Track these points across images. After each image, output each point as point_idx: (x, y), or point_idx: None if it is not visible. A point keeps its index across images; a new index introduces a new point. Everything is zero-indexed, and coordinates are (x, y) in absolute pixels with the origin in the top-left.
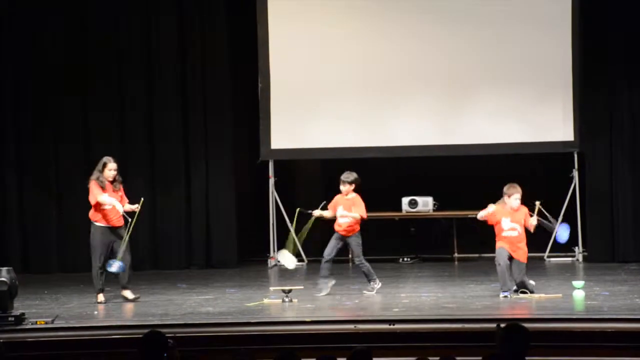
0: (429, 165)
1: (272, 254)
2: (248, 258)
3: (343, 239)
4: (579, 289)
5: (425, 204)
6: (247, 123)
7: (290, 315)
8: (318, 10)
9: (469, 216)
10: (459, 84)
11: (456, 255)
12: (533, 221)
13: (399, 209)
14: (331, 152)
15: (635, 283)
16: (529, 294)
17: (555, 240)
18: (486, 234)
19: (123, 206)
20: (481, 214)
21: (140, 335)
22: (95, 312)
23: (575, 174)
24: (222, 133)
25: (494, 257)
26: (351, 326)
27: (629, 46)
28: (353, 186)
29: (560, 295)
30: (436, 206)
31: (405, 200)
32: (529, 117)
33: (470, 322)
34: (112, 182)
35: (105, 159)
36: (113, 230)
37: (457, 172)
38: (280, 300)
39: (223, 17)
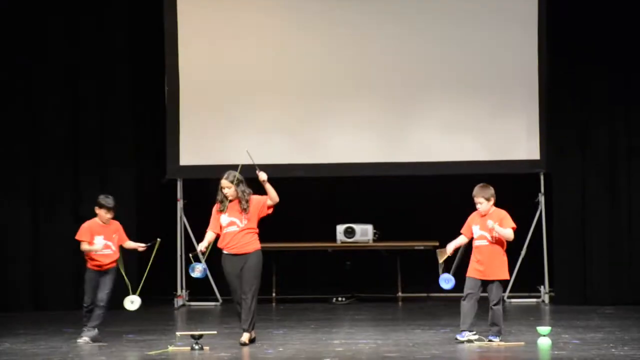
0: (368, 187)
1: (179, 291)
2: (150, 296)
3: None
4: (544, 335)
5: (364, 232)
6: (151, 134)
7: None
8: None
9: (416, 247)
10: (406, 91)
11: (400, 294)
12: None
13: (333, 238)
14: (252, 170)
15: (611, 330)
16: (486, 341)
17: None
18: (436, 269)
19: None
20: (450, 246)
21: None
22: None
23: (542, 199)
24: (121, 146)
25: (444, 297)
26: None
27: (603, 51)
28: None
29: (523, 343)
30: (377, 236)
31: (340, 229)
32: (488, 131)
33: None
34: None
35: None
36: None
37: (403, 195)
38: (189, 348)
39: (122, 1)
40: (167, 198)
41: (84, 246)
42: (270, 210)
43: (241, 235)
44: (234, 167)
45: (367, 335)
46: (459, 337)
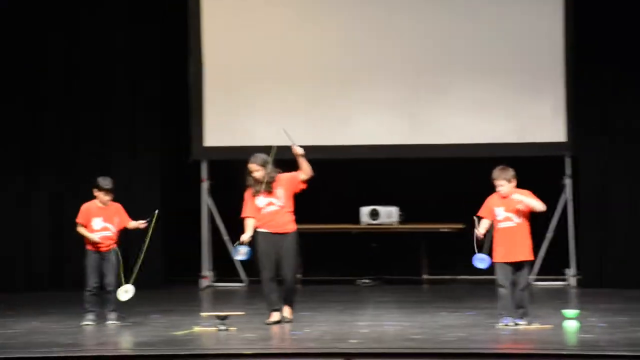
0: (393, 169)
1: (204, 272)
2: (176, 277)
3: None
4: (571, 319)
5: (389, 214)
6: (176, 115)
7: (226, 347)
8: None
9: (441, 230)
10: (430, 72)
11: (425, 277)
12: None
13: (358, 220)
14: (281, 151)
15: (638, 313)
16: (513, 324)
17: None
18: (461, 252)
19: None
20: (481, 229)
21: None
22: None
23: (567, 181)
24: (146, 127)
25: (470, 280)
26: None
27: (632, 31)
28: None
29: (550, 326)
30: (402, 218)
31: (364, 211)
32: (513, 113)
33: (441, 357)
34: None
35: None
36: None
37: (427, 177)
38: (215, 328)
39: None
40: (192, 180)
41: (80, 229)
42: (305, 186)
43: (281, 214)
44: (258, 149)
45: (392, 317)
46: (503, 322)
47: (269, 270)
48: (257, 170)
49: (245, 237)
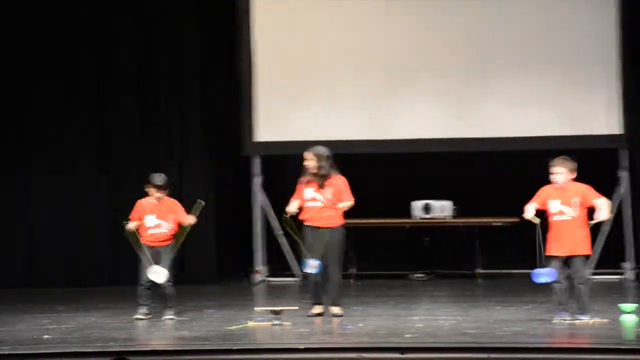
0: (446, 162)
1: (257, 267)
2: (229, 272)
3: None
4: (629, 313)
5: (442, 209)
6: (225, 109)
7: (280, 342)
8: None
9: (494, 224)
10: (480, 64)
11: (479, 271)
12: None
13: (410, 215)
14: (330, 145)
15: None
16: (570, 319)
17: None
18: (516, 246)
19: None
20: (530, 211)
21: None
22: (46, 337)
23: (624, 174)
24: (194, 122)
25: (524, 274)
26: (354, 355)
27: None
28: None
29: (607, 320)
30: (455, 212)
31: (417, 205)
32: (565, 105)
33: (497, 351)
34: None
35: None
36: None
37: (481, 170)
38: (269, 323)
39: None
40: (244, 175)
41: (130, 225)
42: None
43: (323, 210)
44: (311, 143)
45: (446, 311)
46: (559, 317)
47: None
48: (309, 160)
49: (292, 207)
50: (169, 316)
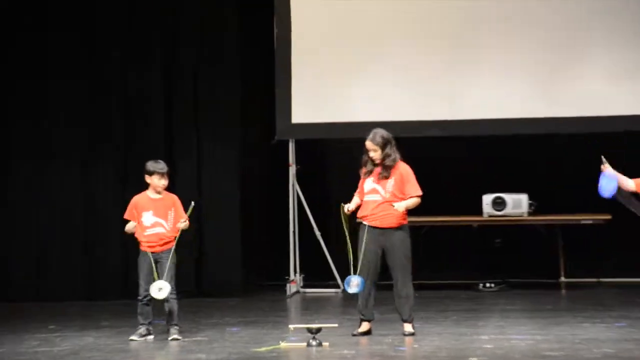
0: (522, 148)
1: (292, 275)
2: (258, 282)
3: None
4: None
5: (517, 204)
6: (258, 87)
7: None
8: None
9: (582, 222)
10: (563, 34)
11: (563, 279)
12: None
13: (479, 211)
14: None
15: None
16: None
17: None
18: (608, 247)
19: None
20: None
21: None
22: None
23: None
24: (221, 102)
25: (619, 283)
26: None
27: None
28: None
29: None
30: (533, 208)
31: (487, 199)
32: None
33: None
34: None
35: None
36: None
37: (565, 158)
38: (305, 343)
39: None
40: (277, 163)
41: (128, 226)
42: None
43: (384, 205)
44: (355, 127)
45: (521, 329)
46: None
47: (366, 272)
48: (373, 150)
49: (350, 205)
50: (174, 336)
